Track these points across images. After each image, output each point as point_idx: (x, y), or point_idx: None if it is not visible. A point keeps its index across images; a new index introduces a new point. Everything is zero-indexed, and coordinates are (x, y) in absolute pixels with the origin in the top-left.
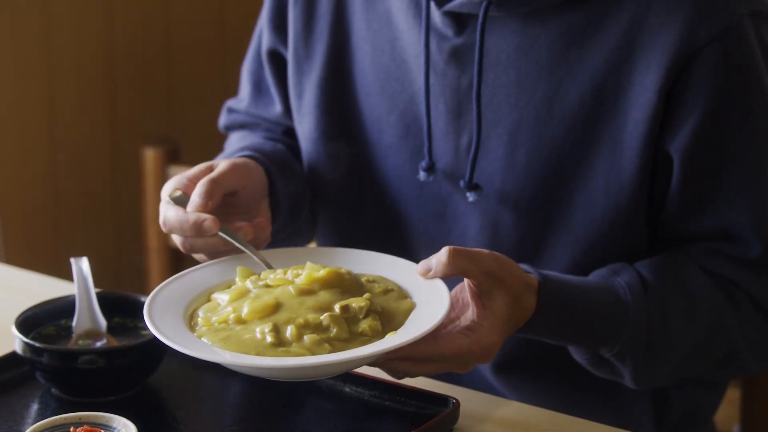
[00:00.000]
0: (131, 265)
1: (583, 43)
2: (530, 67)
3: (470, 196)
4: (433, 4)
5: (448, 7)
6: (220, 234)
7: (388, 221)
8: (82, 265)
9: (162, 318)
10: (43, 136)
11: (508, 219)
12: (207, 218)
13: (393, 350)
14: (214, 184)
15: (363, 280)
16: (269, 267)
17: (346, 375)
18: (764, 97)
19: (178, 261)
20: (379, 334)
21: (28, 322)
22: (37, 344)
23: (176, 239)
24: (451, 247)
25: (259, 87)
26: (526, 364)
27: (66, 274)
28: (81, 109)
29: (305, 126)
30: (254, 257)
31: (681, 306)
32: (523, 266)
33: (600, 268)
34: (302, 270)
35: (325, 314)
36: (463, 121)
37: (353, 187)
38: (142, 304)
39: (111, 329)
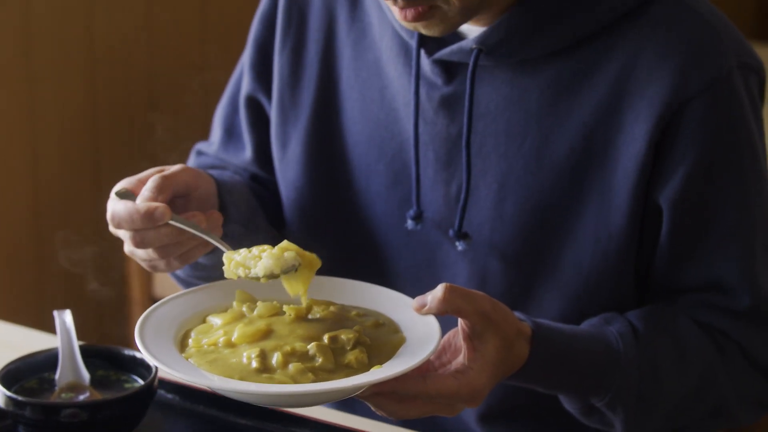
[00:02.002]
0: (115, 316)
1: (572, 93)
2: (519, 117)
3: (459, 245)
4: (423, 53)
5: (438, 55)
6: (172, 223)
7: (376, 269)
8: (65, 318)
9: (152, 336)
10: (25, 188)
11: (496, 268)
12: (158, 206)
13: (378, 384)
14: (164, 179)
15: (355, 312)
16: (228, 249)
17: (316, 424)
18: (753, 149)
19: None
20: (365, 367)
21: (10, 376)
22: (19, 398)
23: (125, 236)
24: (448, 284)
25: (230, 132)
26: (511, 413)
27: (49, 327)
28: (64, 159)
29: (290, 175)
30: (211, 241)
31: (672, 356)
32: (517, 314)
33: (591, 318)
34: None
35: (312, 343)
36: (452, 169)
37: (340, 235)
38: (126, 356)
39: (94, 382)
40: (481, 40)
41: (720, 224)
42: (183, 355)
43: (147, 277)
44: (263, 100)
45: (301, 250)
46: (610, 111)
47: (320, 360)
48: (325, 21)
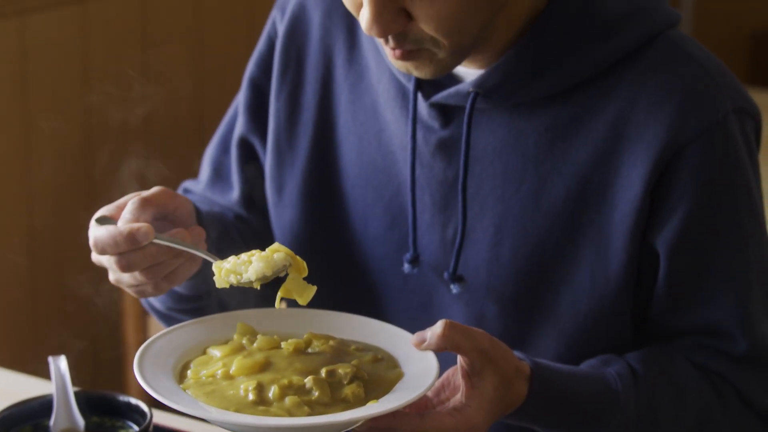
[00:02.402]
0: (109, 360)
1: (569, 136)
2: (516, 160)
3: (454, 288)
4: (420, 96)
5: (436, 98)
6: (157, 242)
7: (372, 311)
8: (60, 364)
9: (151, 366)
10: (20, 234)
11: (492, 311)
12: (141, 225)
13: (374, 419)
14: (143, 201)
15: (354, 347)
16: (216, 259)
17: None
18: (749, 194)
19: None
20: (362, 401)
21: (5, 422)
22: None
23: (110, 262)
24: (447, 320)
25: (219, 172)
26: None
27: (43, 373)
28: (58, 208)
29: (286, 218)
30: (198, 253)
31: (670, 397)
32: (516, 353)
33: (589, 359)
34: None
35: (309, 377)
36: (448, 213)
37: (336, 277)
38: (121, 403)
39: (89, 429)
40: (478, 83)
41: (717, 269)
42: (181, 386)
43: (141, 321)
44: (256, 142)
45: (290, 251)
46: (607, 155)
47: (317, 393)
48: (323, 64)
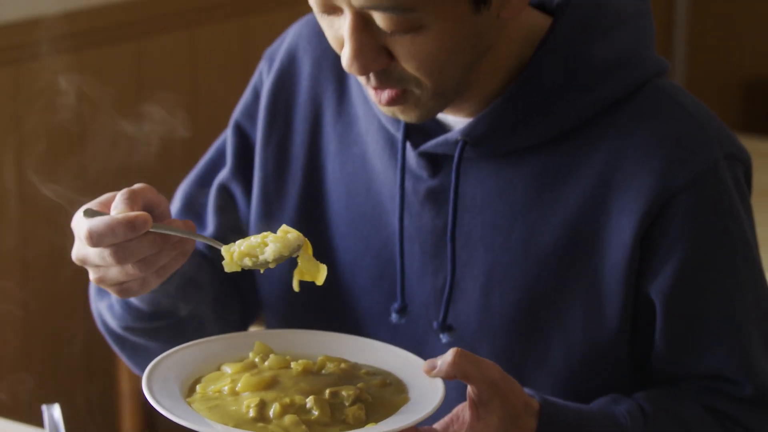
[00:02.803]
0: (104, 410)
1: (557, 186)
2: (505, 209)
3: (443, 338)
4: (408, 145)
5: (424, 148)
6: (154, 230)
7: None
8: (54, 412)
9: (161, 377)
10: (15, 281)
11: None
12: (139, 213)
13: None
14: (132, 192)
15: (365, 371)
16: (221, 245)
17: None
18: (743, 239)
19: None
20: (362, 424)
21: None
22: None
23: (101, 256)
24: (458, 348)
25: (192, 207)
26: None
27: (37, 421)
28: (53, 259)
29: (275, 278)
30: (199, 239)
31: None
32: (526, 389)
33: (598, 399)
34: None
35: (311, 396)
36: (438, 262)
37: (324, 327)
38: None
39: None
40: (466, 132)
41: (714, 317)
42: (187, 399)
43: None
44: (237, 190)
45: (297, 232)
46: (596, 204)
47: (316, 413)
48: (311, 114)
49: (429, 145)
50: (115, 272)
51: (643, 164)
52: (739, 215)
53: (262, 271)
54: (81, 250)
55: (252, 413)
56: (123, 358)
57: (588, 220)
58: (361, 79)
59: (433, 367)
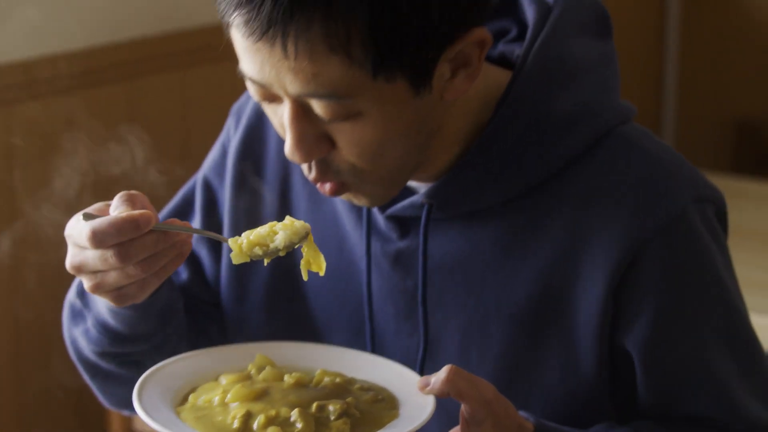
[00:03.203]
0: None
1: (526, 242)
2: (476, 268)
3: None
4: (375, 209)
5: (391, 211)
6: (158, 228)
7: None
8: None
9: (154, 385)
10: (7, 322)
11: None
12: (142, 212)
13: None
14: (130, 195)
15: (359, 386)
16: (226, 239)
17: None
18: (718, 281)
19: None
20: None
21: None
22: None
23: (101, 258)
24: (453, 366)
25: None
26: None
27: None
28: (44, 297)
29: (250, 327)
30: (204, 234)
31: None
32: (521, 412)
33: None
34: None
35: (296, 409)
36: (412, 323)
37: None
38: None
39: None
40: (431, 195)
41: (692, 365)
42: (177, 408)
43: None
44: (202, 251)
45: (301, 221)
46: (567, 258)
47: (299, 426)
48: (281, 172)
49: (395, 208)
50: (114, 275)
51: (610, 215)
52: (712, 258)
53: (266, 263)
54: (77, 256)
55: (236, 424)
56: (93, 387)
57: (559, 275)
58: (303, 168)
59: (427, 384)
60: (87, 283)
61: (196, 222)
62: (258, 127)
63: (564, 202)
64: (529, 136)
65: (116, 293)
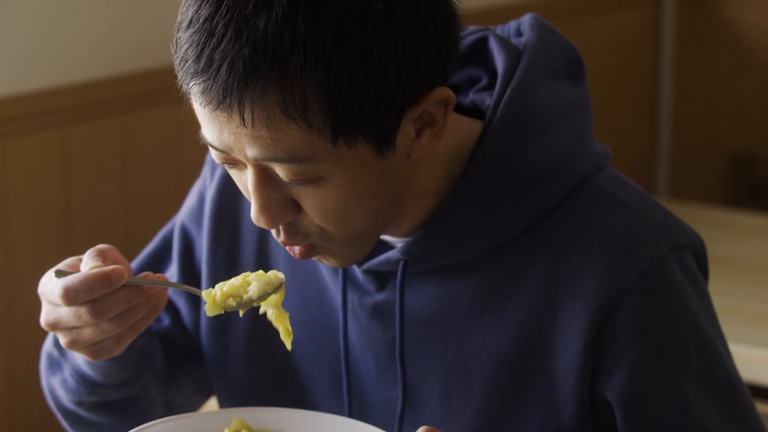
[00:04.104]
0: None
1: (504, 293)
2: (454, 320)
3: None
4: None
5: (367, 266)
6: (131, 283)
7: None
8: None
9: None
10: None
11: None
12: (114, 267)
13: None
14: (100, 251)
15: None
16: (200, 291)
17: None
18: (697, 328)
19: None
20: None
21: None
22: None
23: (75, 315)
24: (429, 427)
25: None
26: None
27: None
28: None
29: (232, 378)
30: (177, 287)
31: None
32: None
33: None
34: None
35: None
36: (392, 373)
37: None
38: None
39: None
40: (407, 251)
41: (672, 414)
42: None
43: None
44: (180, 301)
45: (274, 271)
46: (544, 309)
47: None
48: None
49: (372, 263)
50: (89, 332)
51: (586, 267)
52: (690, 305)
53: (241, 314)
54: (52, 313)
55: None
56: None
57: (537, 327)
58: (273, 232)
59: None
60: (63, 340)
61: (173, 269)
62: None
63: (540, 254)
64: (502, 189)
65: (92, 348)
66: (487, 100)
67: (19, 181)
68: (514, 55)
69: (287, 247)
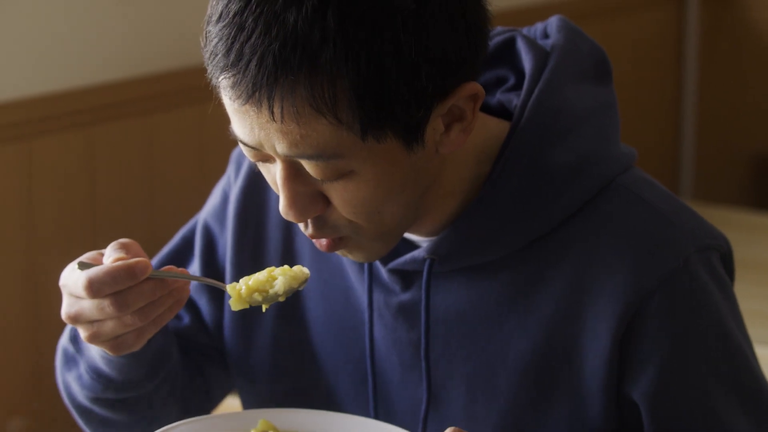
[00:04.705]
0: None
1: (530, 293)
2: (480, 320)
3: None
4: (377, 262)
5: (392, 265)
6: (154, 276)
7: None
8: None
9: None
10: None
11: None
12: (138, 260)
13: None
14: (123, 244)
15: None
16: (224, 285)
17: None
18: (723, 331)
19: None
20: None
21: None
22: None
23: (98, 307)
24: (457, 428)
25: None
26: None
27: None
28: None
29: (256, 377)
30: (201, 281)
31: None
32: None
33: None
34: None
35: None
36: (417, 374)
37: None
38: None
39: None
40: (433, 250)
41: (698, 415)
42: None
43: None
44: (202, 300)
45: (299, 266)
46: (571, 309)
47: None
48: (284, 221)
49: (397, 262)
50: (111, 325)
51: (612, 269)
52: (717, 307)
53: (264, 309)
54: (73, 306)
55: None
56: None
57: (564, 327)
58: (300, 225)
59: None
60: (83, 333)
61: (195, 267)
62: (259, 174)
63: (566, 255)
64: (529, 190)
65: (113, 342)
66: (515, 100)
67: (44, 181)
68: (541, 56)
69: (314, 240)
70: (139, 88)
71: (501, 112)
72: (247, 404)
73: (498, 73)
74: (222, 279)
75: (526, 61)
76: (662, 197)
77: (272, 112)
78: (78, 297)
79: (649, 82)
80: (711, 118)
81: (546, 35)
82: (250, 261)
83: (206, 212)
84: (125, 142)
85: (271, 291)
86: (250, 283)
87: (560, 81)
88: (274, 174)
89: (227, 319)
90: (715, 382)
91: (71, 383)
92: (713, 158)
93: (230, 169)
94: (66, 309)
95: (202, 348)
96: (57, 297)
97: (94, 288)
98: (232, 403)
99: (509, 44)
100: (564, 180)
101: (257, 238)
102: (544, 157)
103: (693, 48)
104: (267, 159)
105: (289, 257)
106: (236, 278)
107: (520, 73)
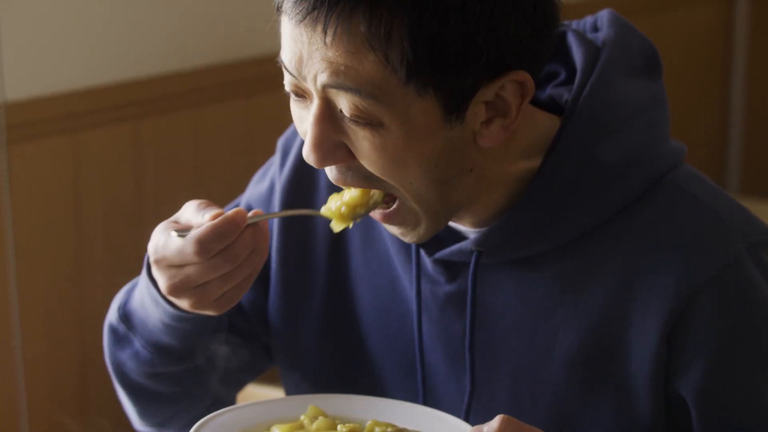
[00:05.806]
0: None
1: (577, 287)
2: (526, 313)
3: None
4: (423, 252)
5: (438, 255)
6: (253, 220)
7: None
8: None
9: (210, 427)
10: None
11: None
12: (235, 210)
13: None
14: (202, 202)
15: None
16: (317, 213)
17: None
18: None
19: None
20: None
21: None
22: None
23: (214, 265)
24: (505, 416)
25: None
26: None
27: None
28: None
29: (303, 367)
30: (295, 213)
31: None
32: None
33: None
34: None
35: None
36: (462, 366)
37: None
38: None
39: None
40: (480, 242)
41: (748, 412)
42: None
43: None
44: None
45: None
46: (618, 304)
47: None
48: None
49: (444, 253)
50: (219, 283)
51: (662, 264)
52: (766, 303)
53: (350, 226)
54: (177, 276)
55: None
56: (134, 409)
57: (611, 322)
58: (327, 171)
59: None
60: (188, 302)
61: None
62: (307, 165)
63: (615, 249)
64: (579, 184)
65: (220, 301)
66: (565, 95)
67: (92, 173)
68: (592, 51)
69: (370, 215)
70: (186, 81)
71: (551, 107)
72: (291, 391)
73: (549, 68)
74: (267, 266)
75: (577, 56)
76: (711, 193)
77: (325, 33)
78: (179, 266)
79: (697, 77)
80: (759, 113)
81: (596, 28)
82: (297, 251)
83: (248, 195)
84: (172, 135)
85: (371, 201)
86: (345, 199)
87: (612, 76)
88: (305, 118)
89: (273, 305)
90: (764, 379)
91: (125, 361)
92: (761, 153)
93: (276, 157)
94: (168, 281)
95: (238, 332)
96: (103, 287)
97: (204, 248)
98: (254, 392)
99: (560, 39)
100: (614, 176)
101: (304, 228)
102: (595, 152)
103: (742, 43)
104: (304, 95)
105: (337, 246)
106: (281, 267)
107: (571, 68)
